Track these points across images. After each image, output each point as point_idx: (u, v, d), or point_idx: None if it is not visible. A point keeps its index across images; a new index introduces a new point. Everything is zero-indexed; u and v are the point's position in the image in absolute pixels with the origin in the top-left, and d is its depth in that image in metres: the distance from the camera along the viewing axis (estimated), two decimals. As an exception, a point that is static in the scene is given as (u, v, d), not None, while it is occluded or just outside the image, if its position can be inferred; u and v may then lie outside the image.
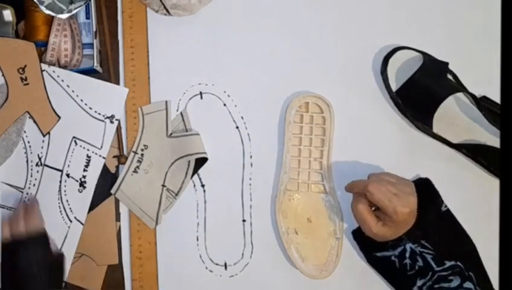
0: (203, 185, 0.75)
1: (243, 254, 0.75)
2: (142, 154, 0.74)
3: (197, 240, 0.75)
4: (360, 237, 0.69)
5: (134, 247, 0.75)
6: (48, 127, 0.73)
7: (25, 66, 0.73)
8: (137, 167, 0.74)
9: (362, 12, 0.76)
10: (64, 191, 0.73)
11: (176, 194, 0.74)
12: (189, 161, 0.74)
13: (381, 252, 0.66)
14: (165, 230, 0.75)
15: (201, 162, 0.74)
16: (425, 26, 0.76)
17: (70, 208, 0.73)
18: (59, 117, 0.73)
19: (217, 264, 0.75)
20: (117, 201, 0.75)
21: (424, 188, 0.66)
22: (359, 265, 0.73)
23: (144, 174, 0.74)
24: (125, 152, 0.75)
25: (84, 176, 0.73)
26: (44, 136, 0.73)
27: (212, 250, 0.75)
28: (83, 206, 0.73)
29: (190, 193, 0.75)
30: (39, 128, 0.73)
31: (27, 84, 0.73)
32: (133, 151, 0.74)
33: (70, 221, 0.73)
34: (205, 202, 0.75)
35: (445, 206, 0.67)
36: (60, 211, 0.73)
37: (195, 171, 0.74)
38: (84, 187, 0.73)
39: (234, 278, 0.75)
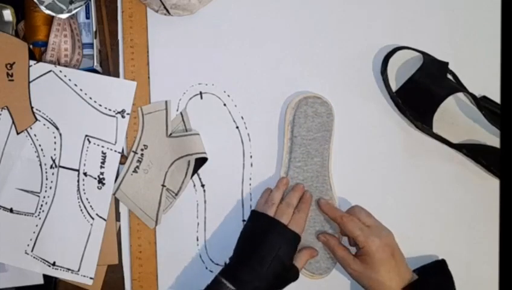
0: (203, 185, 0.75)
1: (242, 254, 0.75)
2: (141, 154, 0.74)
3: (197, 240, 0.75)
4: None
5: (134, 247, 0.74)
6: (23, 126, 0.73)
7: (14, 63, 0.72)
8: (137, 166, 0.74)
9: (362, 12, 0.76)
10: (83, 189, 0.73)
11: (176, 194, 0.74)
12: (189, 161, 0.74)
13: None
14: (164, 230, 0.75)
15: (201, 162, 0.74)
16: (425, 26, 0.76)
17: (91, 206, 0.73)
18: (36, 119, 0.73)
19: (217, 264, 0.75)
20: (117, 201, 0.75)
21: (441, 269, 0.69)
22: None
23: (144, 174, 0.74)
24: (125, 152, 0.75)
25: (102, 173, 0.73)
26: (18, 134, 0.73)
27: (212, 250, 0.75)
28: (104, 202, 0.73)
29: (190, 193, 0.75)
30: (14, 125, 0.73)
31: (12, 80, 0.72)
32: (133, 151, 0.74)
33: (93, 218, 0.73)
34: (205, 202, 0.75)
35: None
36: (81, 210, 0.73)
37: (195, 171, 0.74)
38: (103, 184, 0.73)
39: (234, 278, 0.75)
